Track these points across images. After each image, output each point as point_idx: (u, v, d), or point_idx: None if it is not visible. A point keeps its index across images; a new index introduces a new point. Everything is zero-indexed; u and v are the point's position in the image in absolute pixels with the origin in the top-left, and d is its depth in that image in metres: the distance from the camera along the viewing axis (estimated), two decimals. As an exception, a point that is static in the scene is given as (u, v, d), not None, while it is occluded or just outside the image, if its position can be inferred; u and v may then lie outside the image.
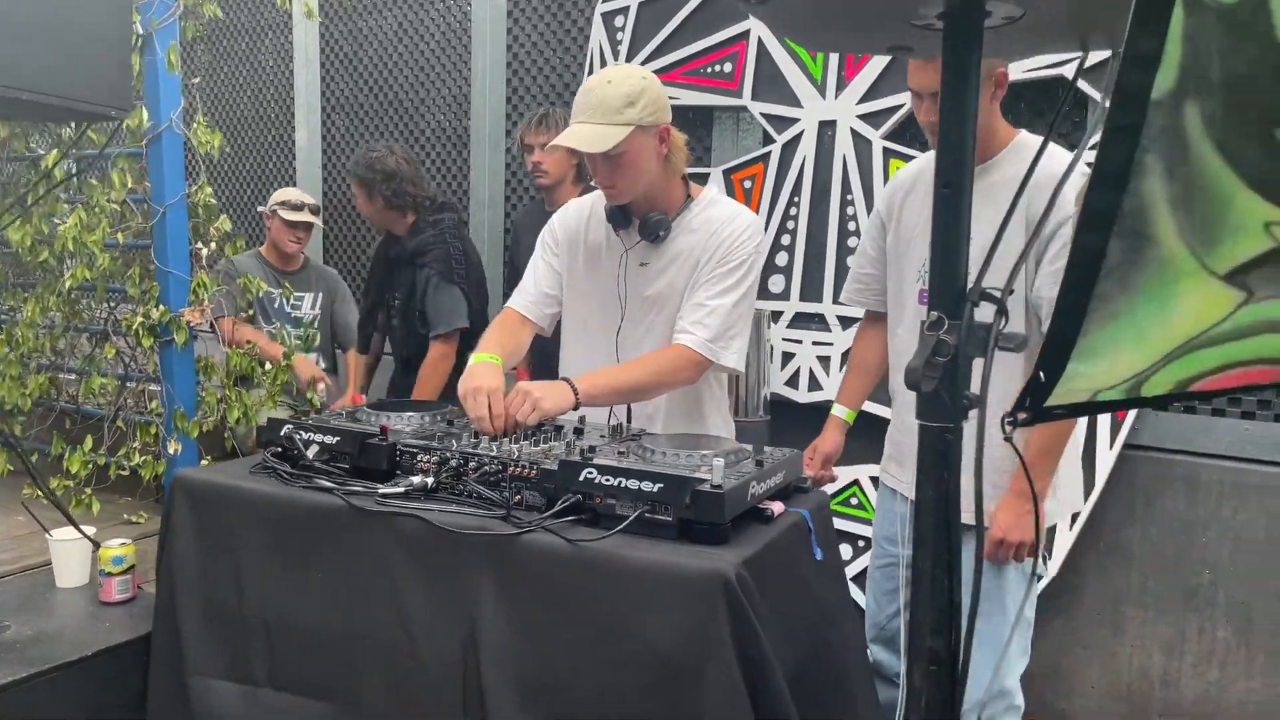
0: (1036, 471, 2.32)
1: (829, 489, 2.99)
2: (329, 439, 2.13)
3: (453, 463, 2.01)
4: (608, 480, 1.84)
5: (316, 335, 4.34)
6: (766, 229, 3.94)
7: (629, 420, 2.43)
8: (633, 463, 1.91)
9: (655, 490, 1.81)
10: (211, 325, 3.77)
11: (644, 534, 1.82)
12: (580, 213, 2.58)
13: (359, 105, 5.34)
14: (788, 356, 3.91)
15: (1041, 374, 1.07)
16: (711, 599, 1.66)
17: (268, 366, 3.68)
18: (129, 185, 3.54)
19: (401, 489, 1.97)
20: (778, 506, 2.04)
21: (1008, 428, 1.12)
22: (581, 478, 1.86)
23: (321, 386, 4.07)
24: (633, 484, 1.82)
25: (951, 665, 1.18)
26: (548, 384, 2.21)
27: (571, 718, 1.74)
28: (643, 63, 4.20)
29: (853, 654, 2.22)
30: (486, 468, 1.99)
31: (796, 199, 3.92)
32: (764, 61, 3.96)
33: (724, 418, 2.69)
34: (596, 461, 1.88)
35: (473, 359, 2.28)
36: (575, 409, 2.23)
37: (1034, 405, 1.11)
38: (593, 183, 2.55)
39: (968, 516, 2.52)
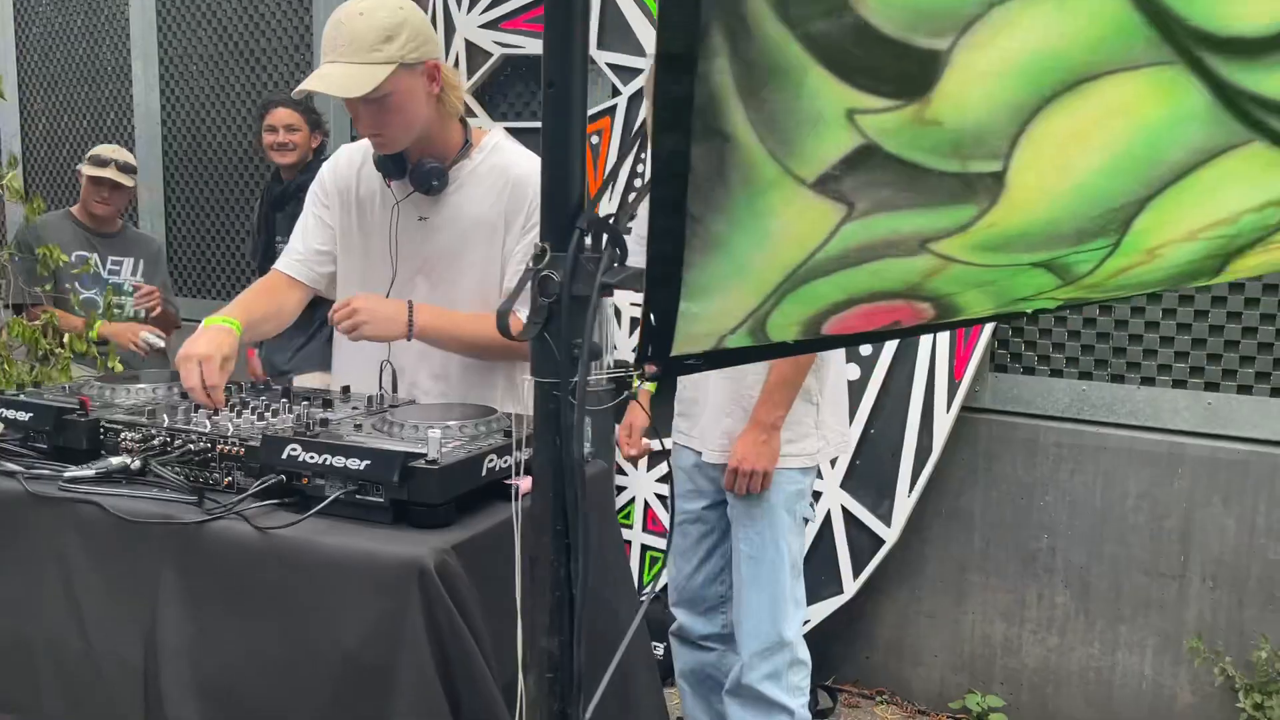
0: (772, 401, 2.28)
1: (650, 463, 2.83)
2: (20, 415, 1.88)
3: (156, 441, 1.79)
4: (313, 458, 1.63)
5: (125, 303, 4.03)
6: (613, 185, 3.74)
7: (395, 389, 2.22)
8: (343, 437, 1.71)
9: (362, 468, 1.60)
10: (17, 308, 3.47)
11: (358, 518, 1.62)
12: (352, 161, 2.34)
13: (199, 56, 5.00)
14: (636, 321, 3.73)
15: (652, 317, 0.88)
16: (403, 591, 1.47)
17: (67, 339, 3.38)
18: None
19: (93, 472, 1.74)
20: (527, 482, 1.85)
21: (638, 381, 0.95)
22: (285, 455, 1.65)
23: (149, 339, 3.71)
24: (339, 461, 1.61)
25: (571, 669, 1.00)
26: (384, 301, 2.04)
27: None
28: (484, 10, 3.95)
29: (631, 638, 2.05)
30: (192, 446, 1.77)
31: (644, 155, 3.72)
32: (610, 9, 3.74)
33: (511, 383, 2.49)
34: (301, 437, 1.66)
35: (204, 322, 2.05)
36: (407, 339, 2.04)
37: (658, 355, 0.93)
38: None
39: (721, 457, 2.47)
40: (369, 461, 1.60)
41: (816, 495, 3.33)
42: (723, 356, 0.94)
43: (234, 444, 1.75)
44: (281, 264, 2.34)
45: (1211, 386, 2.98)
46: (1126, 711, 3.11)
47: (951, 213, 0.76)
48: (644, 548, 3.67)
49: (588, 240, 0.93)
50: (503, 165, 2.19)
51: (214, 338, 1.96)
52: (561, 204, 0.94)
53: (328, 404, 2.04)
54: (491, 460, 1.74)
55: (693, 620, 2.62)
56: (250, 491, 1.64)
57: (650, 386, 2.63)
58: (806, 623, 3.34)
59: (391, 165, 2.17)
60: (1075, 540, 3.15)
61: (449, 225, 2.20)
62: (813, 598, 3.36)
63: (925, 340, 3.16)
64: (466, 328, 2.14)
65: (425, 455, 1.61)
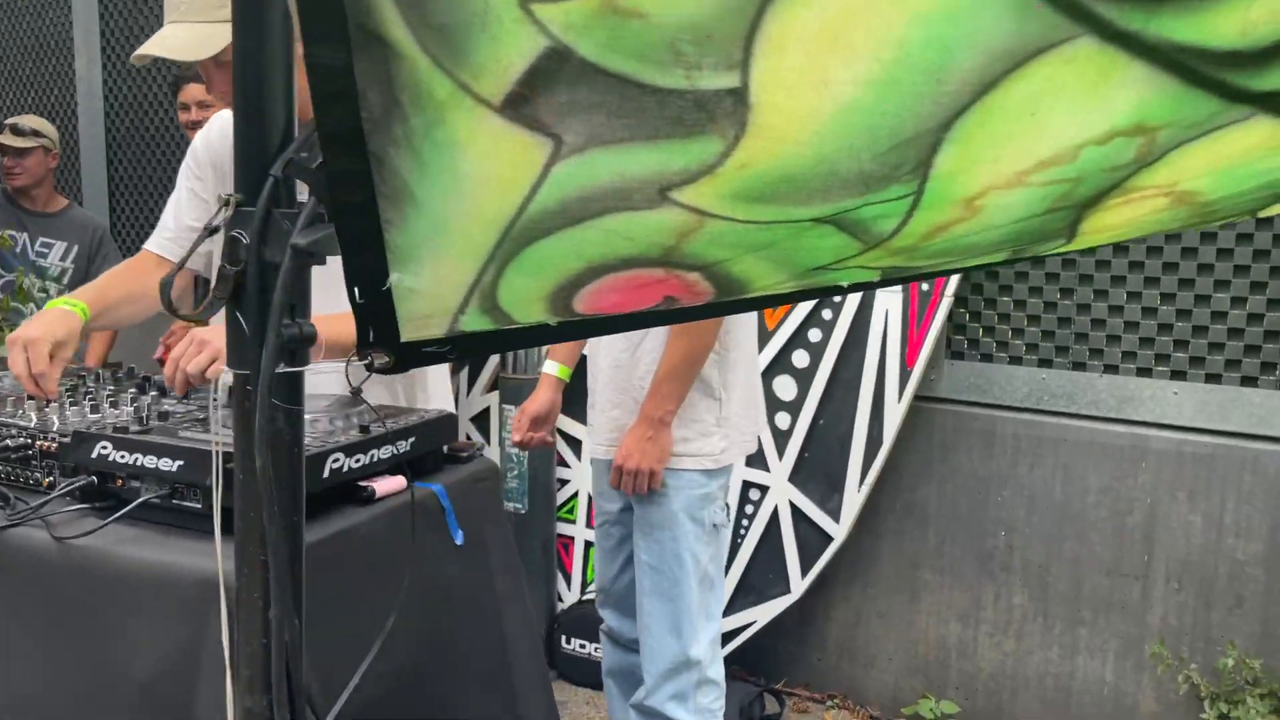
0: (660, 394, 2.07)
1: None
2: None
3: (-30, 436, 1.60)
4: (123, 457, 1.44)
5: (50, 288, 3.85)
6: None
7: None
8: (174, 434, 1.52)
9: (175, 469, 1.42)
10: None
11: (179, 526, 1.44)
12: (225, 131, 2.14)
13: (144, 28, 4.79)
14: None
15: (357, 292, 0.69)
16: (203, 613, 1.28)
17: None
18: None
19: (-108, 472, 1.56)
20: (389, 483, 1.67)
21: (364, 372, 0.76)
22: (95, 454, 1.47)
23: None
24: (150, 461, 1.43)
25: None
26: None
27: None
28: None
29: (513, 644, 1.88)
30: (10, 442, 1.58)
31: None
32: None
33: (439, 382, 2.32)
34: (112, 433, 1.48)
35: (47, 304, 1.86)
36: None
37: (384, 340, 0.74)
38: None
39: (609, 452, 2.27)
40: (182, 462, 1.41)
41: (762, 490, 3.15)
42: (475, 342, 0.76)
43: (53, 440, 1.57)
44: (151, 243, 2.15)
45: (1178, 375, 2.79)
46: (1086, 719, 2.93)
47: (689, 148, 0.58)
48: (588, 544, 3.48)
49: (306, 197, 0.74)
50: None
51: (49, 320, 1.77)
52: (257, 142, 0.74)
53: (187, 396, 1.85)
54: (337, 460, 1.56)
55: (620, 622, 2.45)
56: (54, 495, 1.46)
57: (562, 372, 2.45)
58: (750, 626, 3.17)
59: None
60: (1034, 537, 2.96)
61: None
62: (759, 597, 3.18)
63: (876, 325, 2.96)
64: (341, 330, 1.96)
65: (248, 454, 1.42)
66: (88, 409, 1.69)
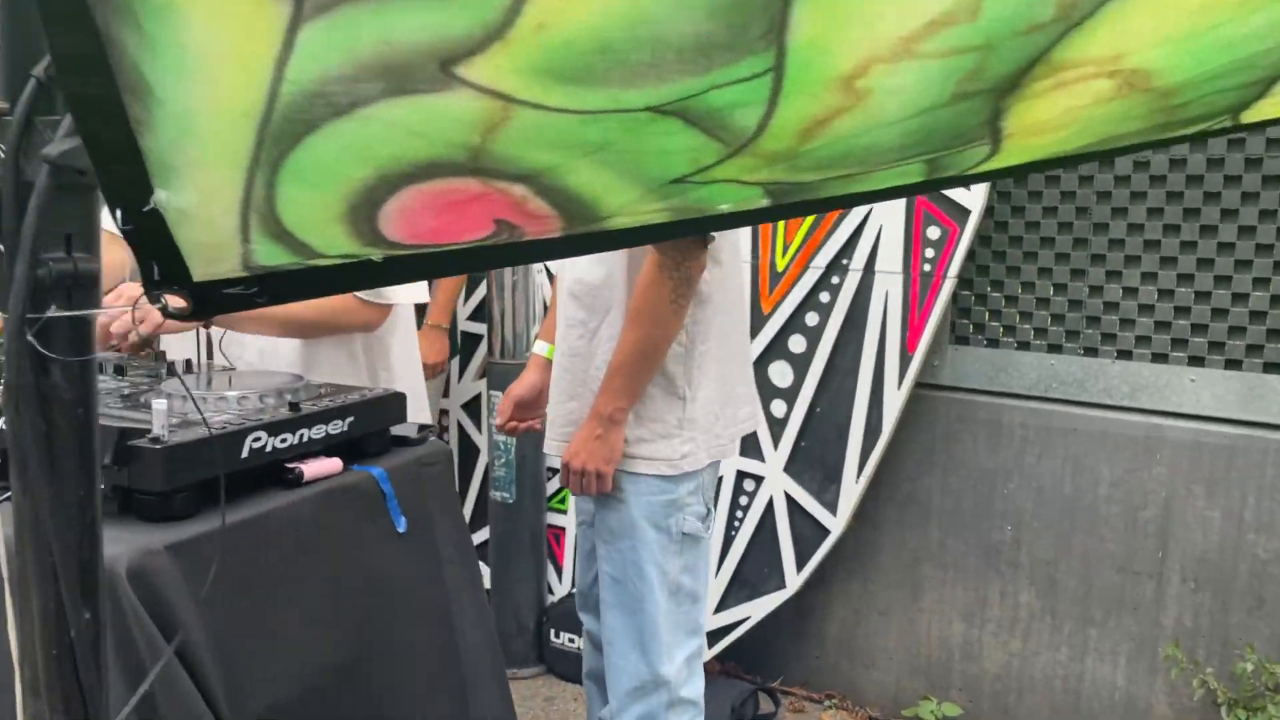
0: (610, 389, 1.88)
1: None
2: None
3: None
4: (20, 432, 1.33)
5: None
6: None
7: (210, 354, 1.92)
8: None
9: None
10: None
11: None
12: None
13: None
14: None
15: (119, 214, 0.57)
16: None
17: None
18: None
19: None
20: (323, 465, 1.55)
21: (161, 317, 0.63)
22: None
23: None
24: (47, 437, 1.31)
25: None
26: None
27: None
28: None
29: (464, 639, 1.76)
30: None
31: None
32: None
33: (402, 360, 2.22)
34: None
35: None
36: (204, 326, 1.74)
37: (174, 277, 0.61)
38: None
39: (560, 447, 1.98)
40: None
41: (757, 480, 3.01)
42: (285, 282, 0.63)
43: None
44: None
45: (1196, 361, 2.62)
46: (1097, 725, 2.77)
47: (465, 2, 0.45)
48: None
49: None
50: None
51: None
52: (24, 39, 0.62)
53: (119, 370, 1.75)
54: (259, 438, 1.44)
55: (597, 625, 2.29)
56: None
57: (550, 352, 2.29)
58: (744, 622, 3.03)
59: None
60: (1041, 532, 2.80)
61: None
62: (754, 593, 3.04)
63: (875, 307, 2.82)
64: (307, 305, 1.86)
65: (149, 432, 1.31)
66: None
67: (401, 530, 1.64)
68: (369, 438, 1.67)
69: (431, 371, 3.04)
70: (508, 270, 3.18)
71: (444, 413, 3.65)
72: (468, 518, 3.41)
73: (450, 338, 3.36)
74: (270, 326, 1.94)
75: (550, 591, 3.42)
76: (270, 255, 0.60)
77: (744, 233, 2.77)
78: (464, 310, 3.56)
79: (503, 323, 3.25)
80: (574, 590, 3.31)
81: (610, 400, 1.86)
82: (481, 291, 3.49)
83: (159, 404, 1.33)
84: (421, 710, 1.67)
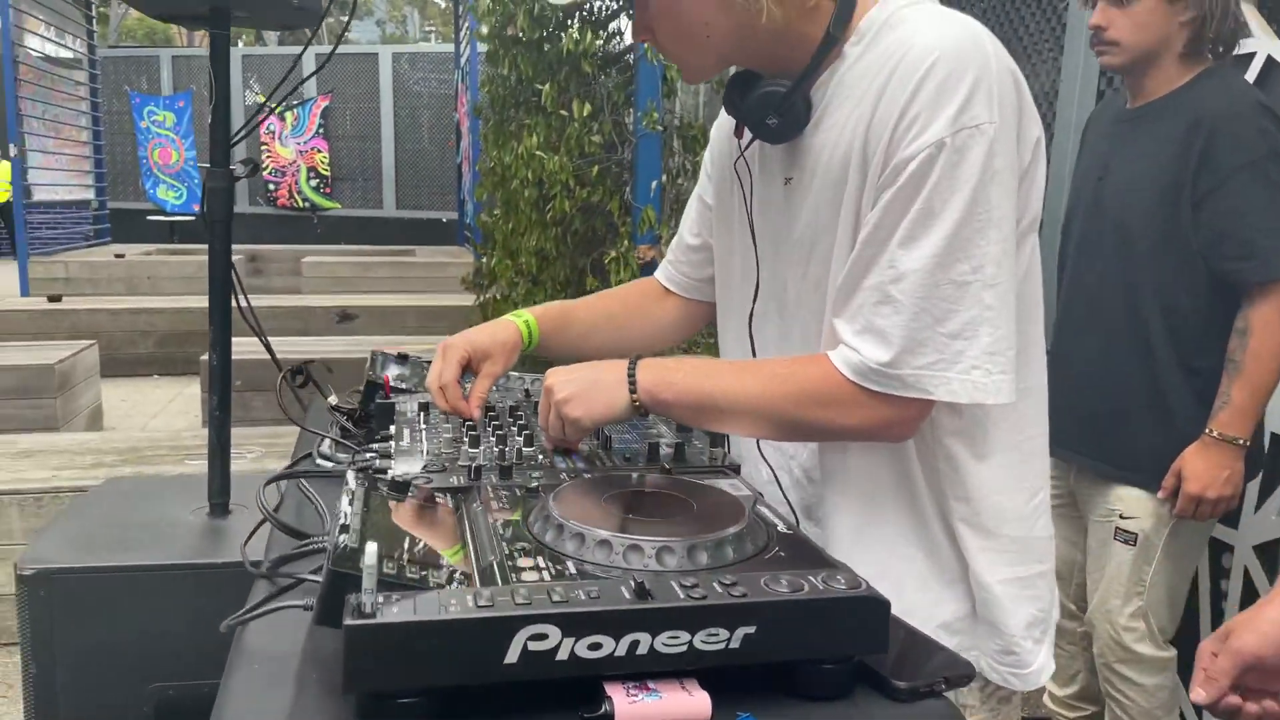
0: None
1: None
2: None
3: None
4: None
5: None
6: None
7: (728, 446, 1.35)
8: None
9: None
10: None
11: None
12: (720, 121, 1.51)
13: None
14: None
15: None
16: None
17: None
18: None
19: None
20: (669, 704, 0.89)
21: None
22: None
23: None
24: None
25: None
26: (589, 371, 1.26)
27: None
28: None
29: None
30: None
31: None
32: None
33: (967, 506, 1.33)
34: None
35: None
36: (643, 414, 1.26)
37: None
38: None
39: None
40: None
41: None
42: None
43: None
44: (661, 269, 1.67)
45: None
46: None
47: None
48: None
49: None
50: (890, 50, 1.14)
51: (482, 328, 1.49)
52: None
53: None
54: (543, 635, 0.86)
55: None
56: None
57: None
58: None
59: (735, 98, 1.28)
60: None
61: (815, 183, 1.24)
62: None
63: None
64: (718, 381, 1.23)
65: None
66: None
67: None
68: (799, 666, 0.92)
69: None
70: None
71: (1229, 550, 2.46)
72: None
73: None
74: (704, 418, 1.28)
75: None
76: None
77: None
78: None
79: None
80: None
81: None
82: None
83: (369, 554, 0.81)
84: None
